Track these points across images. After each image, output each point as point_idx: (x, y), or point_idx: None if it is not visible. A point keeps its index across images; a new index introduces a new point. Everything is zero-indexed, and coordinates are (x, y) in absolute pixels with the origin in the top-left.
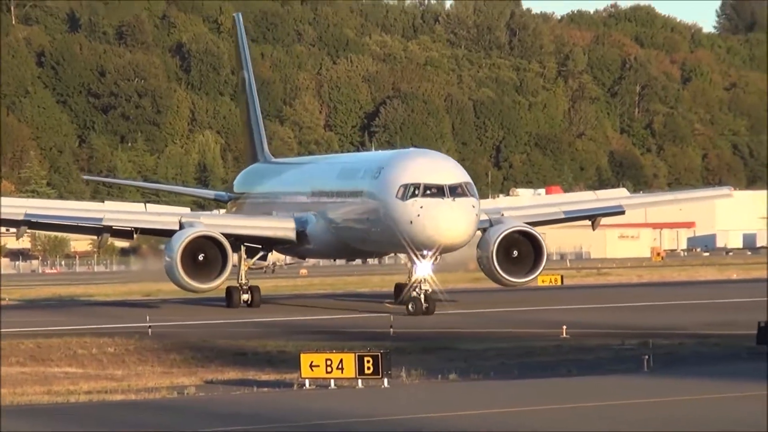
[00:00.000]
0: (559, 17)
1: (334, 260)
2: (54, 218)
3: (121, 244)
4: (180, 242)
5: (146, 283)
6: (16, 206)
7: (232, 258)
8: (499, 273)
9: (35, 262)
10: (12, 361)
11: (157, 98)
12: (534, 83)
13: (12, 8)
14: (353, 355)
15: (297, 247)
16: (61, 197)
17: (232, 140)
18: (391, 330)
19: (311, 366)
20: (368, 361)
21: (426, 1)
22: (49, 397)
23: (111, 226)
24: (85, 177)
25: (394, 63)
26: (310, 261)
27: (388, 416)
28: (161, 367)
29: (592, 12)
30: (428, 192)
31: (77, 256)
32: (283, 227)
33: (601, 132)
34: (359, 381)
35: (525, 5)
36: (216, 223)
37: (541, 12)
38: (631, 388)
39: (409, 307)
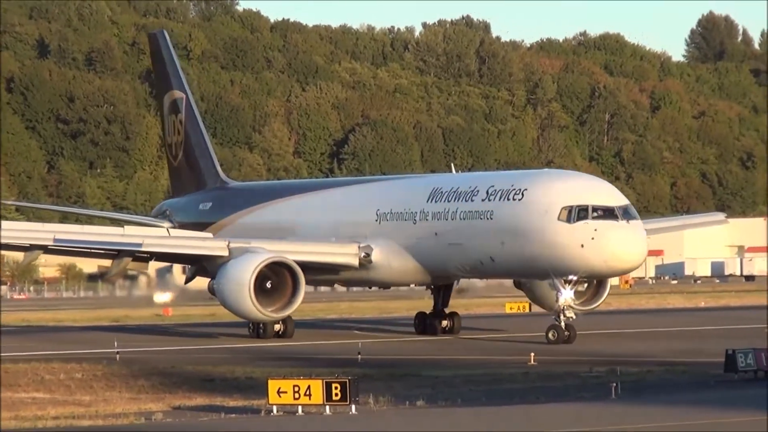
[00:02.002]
0: (529, 45)
1: (368, 288)
2: (90, 244)
3: (88, 270)
4: (252, 268)
5: (114, 309)
6: (45, 231)
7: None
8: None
9: (4, 288)
10: None
11: (126, 124)
12: (503, 111)
13: None
14: (321, 381)
15: (354, 272)
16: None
17: None
18: (359, 356)
19: (279, 392)
20: (336, 388)
21: (395, 29)
22: (17, 423)
23: (151, 252)
24: (7, 202)
25: (363, 90)
26: None
27: None
28: (129, 392)
29: (561, 40)
30: (596, 214)
31: (45, 282)
32: (346, 252)
33: (569, 160)
34: (327, 407)
35: (494, 33)
36: (277, 249)
37: (510, 40)
38: (598, 416)
39: (550, 335)
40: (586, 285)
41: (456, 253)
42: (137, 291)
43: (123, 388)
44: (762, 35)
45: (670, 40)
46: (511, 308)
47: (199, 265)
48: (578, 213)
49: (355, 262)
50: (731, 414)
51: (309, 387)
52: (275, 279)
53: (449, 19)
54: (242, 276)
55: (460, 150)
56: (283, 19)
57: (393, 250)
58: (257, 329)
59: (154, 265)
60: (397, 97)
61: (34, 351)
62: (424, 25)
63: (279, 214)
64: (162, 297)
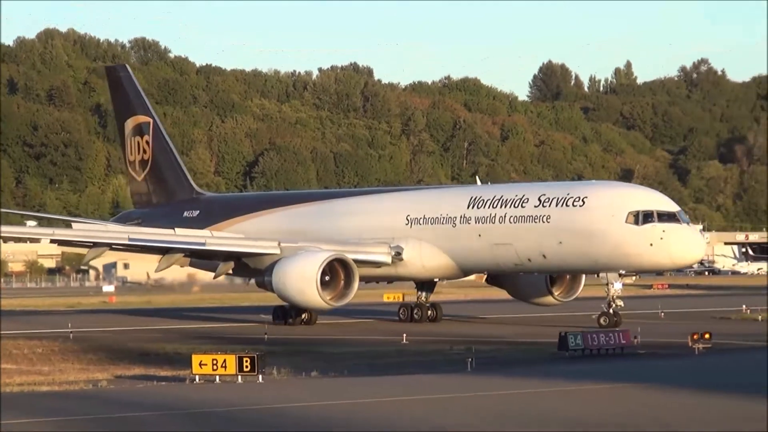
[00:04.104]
0: (403, 87)
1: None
2: (159, 242)
3: (48, 265)
4: (319, 264)
5: (69, 297)
6: (119, 231)
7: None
8: (553, 294)
9: None
10: None
11: (79, 148)
12: (383, 139)
13: None
14: (234, 356)
15: (387, 269)
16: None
17: None
18: (266, 336)
19: (200, 364)
20: (246, 361)
21: (297, 72)
22: None
23: (211, 250)
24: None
25: (270, 122)
26: (205, 278)
27: (261, 405)
28: (80, 364)
29: (430, 82)
30: (660, 218)
31: (13, 275)
32: (380, 251)
33: (436, 179)
34: (239, 377)
35: (376, 77)
36: (331, 248)
37: (389, 82)
38: (456, 384)
39: (601, 320)
40: (562, 279)
41: (502, 251)
42: (88, 283)
43: (75, 361)
44: (590, 80)
45: (517, 83)
46: (388, 297)
47: (238, 262)
48: (644, 217)
49: (389, 259)
50: (561, 383)
51: (225, 360)
52: (332, 273)
53: (340, 65)
54: (308, 271)
55: (348, 171)
56: (207, 64)
57: (425, 249)
58: (286, 317)
59: (101, 261)
60: (297, 128)
61: (3, 330)
62: (320, 69)
63: (292, 219)
64: (108, 288)
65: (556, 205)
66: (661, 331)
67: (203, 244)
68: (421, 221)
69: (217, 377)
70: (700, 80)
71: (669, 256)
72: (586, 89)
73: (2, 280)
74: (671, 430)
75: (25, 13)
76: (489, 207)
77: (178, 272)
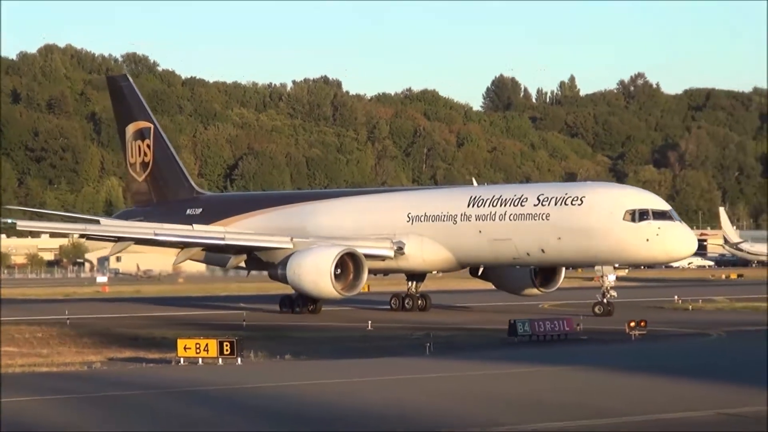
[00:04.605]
0: (369, 97)
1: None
2: (180, 236)
3: (48, 257)
4: (332, 258)
5: (66, 287)
6: (148, 228)
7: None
8: (536, 286)
9: None
10: None
11: (76, 153)
12: (350, 145)
13: None
14: (216, 340)
15: (389, 262)
16: None
17: None
18: (244, 323)
19: (185, 348)
20: (227, 345)
21: (273, 84)
22: None
23: (231, 245)
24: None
25: (249, 129)
26: (189, 270)
27: (239, 385)
28: (76, 347)
29: (393, 93)
30: (655, 216)
31: (16, 267)
32: (383, 246)
33: (398, 181)
34: (219, 359)
35: (345, 88)
36: (342, 243)
37: (356, 93)
38: (415, 367)
39: (596, 309)
40: (544, 271)
41: (502, 246)
42: (83, 274)
43: (71, 344)
44: (538, 92)
45: (472, 95)
46: None
47: (249, 255)
48: (640, 215)
49: (391, 253)
50: (511, 366)
51: (207, 344)
52: (342, 266)
53: (312, 78)
54: (323, 264)
55: (319, 173)
56: (192, 76)
57: (426, 244)
58: (293, 306)
59: (96, 254)
60: (273, 135)
61: (6, 317)
62: (294, 81)
63: (294, 217)
64: (102, 278)
65: (555, 204)
66: (602, 319)
67: (222, 239)
68: (422, 218)
69: (200, 360)
70: (637, 92)
71: (664, 251)
72: (534, 100)
73: (5, 271)
74: (611, 406)
75: (26, 29)
76: (489, 206)
77: (165, 265)
